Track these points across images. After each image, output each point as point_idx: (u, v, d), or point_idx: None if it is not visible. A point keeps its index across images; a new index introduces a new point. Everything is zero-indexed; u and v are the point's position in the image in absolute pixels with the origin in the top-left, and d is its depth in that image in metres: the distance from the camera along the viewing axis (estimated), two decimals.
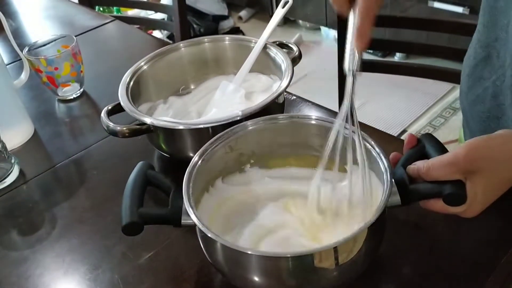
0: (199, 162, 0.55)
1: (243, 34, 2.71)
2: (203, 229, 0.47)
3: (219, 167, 0.60)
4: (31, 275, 0.60)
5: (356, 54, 0.50)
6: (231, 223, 0.57)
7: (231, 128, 0.59)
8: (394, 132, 1.92)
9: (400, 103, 2.07)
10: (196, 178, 0.54)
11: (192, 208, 0.49)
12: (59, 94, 0.91)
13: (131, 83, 0.74)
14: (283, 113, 0.75)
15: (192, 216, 0.48)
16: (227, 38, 0.82)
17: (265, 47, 0.77)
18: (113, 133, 0.67)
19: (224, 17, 2.79)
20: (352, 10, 0.51)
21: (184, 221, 0.50)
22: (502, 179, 0.48)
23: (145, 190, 0.53)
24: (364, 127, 0.78)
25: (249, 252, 0.46)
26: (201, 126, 0.65)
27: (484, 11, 0.63)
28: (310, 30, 2.72)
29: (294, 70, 0.71)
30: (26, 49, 0.88)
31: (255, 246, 0.53)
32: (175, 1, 1.36)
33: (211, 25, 2.69)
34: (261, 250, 0.51)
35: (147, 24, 2.10)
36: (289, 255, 0.45)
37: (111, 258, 0.60)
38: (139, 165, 0.55)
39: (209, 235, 0.46)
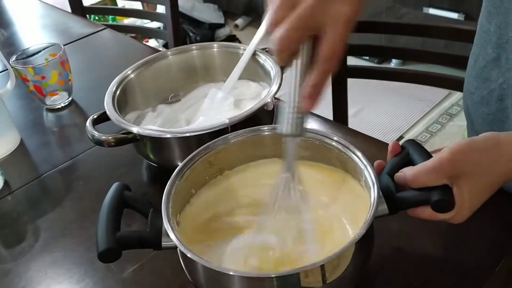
0: (178, 180, 0.53)
1: (240, 42, 2.71)
2: (183, 250, 0.45)
3: (199, 182, 0.58)
4: None
5: (297, 115, 0.44)
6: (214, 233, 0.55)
7: (213, 141, 0.57)
8: (391, 138, 1.90)
9: (396, 109, 2.06)
10: (175, 196, 0.52)
11: (172, 229, 0.47)
12: (47, 103, 0.90)
13: (118, 91, 0.72)
14: (273, 120, 0.74)
15: (171, 236, 0.46)
16: (215, 45, 0.81)
17: (254, 54, 0.76)
18: (99, 142, 0.66)
19: (220, 25, 2.79)
20: (298, 60, 0.44)
21: (164, 243, 0.48)
22: (487, 183, 0.47)
23: (122, 212, 0.51)
24: (356, 134, 0.77)
25: (231, 273, 0.44)
26: (188, 134, 0.64)
27: (498, 11, 0.61)
28: None
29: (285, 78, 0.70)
30: (13, 58, 0.87)
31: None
32: (168, 9, 1.35)
33: (207, 33, 2.69)
34: (243, 270, 0.49)
35: (142, 33, 2.10)
36: (273, 275, 0.43)
37: (95, 272, 0.59)
38: (114, 186, 0.53)
39: (188, 255, 0.44)
